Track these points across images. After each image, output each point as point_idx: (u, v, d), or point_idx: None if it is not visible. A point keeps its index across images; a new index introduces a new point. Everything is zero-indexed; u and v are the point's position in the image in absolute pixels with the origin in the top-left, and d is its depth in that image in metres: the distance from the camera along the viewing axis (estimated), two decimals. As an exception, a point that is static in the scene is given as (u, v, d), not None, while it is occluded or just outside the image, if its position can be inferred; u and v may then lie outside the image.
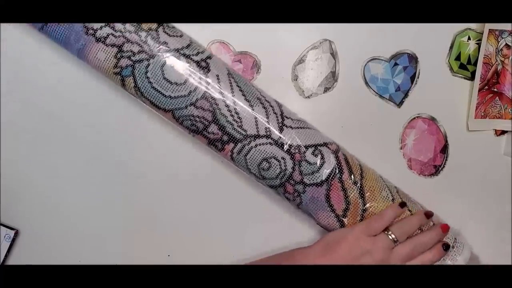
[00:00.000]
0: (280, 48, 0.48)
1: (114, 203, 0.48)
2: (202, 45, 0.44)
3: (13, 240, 0.48)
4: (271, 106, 0.43)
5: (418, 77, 0.49)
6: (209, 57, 0.43)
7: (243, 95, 0.42)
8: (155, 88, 0.42)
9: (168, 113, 0.43)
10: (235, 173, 0.48)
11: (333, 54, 0.48)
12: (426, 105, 0.49)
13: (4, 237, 0.47)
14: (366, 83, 0.49)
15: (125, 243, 0.48)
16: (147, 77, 0.42)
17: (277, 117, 0.43)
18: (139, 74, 0.42)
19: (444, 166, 0.50)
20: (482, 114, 0.49)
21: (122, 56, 0.41)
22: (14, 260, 0.48)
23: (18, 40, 0.47)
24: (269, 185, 0.44)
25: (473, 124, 0.49)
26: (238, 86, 0.43)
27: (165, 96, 0.42)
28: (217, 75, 0.42)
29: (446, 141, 0.50)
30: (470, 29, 0.49)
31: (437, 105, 0.49)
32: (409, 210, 0.44)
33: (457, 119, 0.50)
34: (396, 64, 0.49)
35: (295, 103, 0.47)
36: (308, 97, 0.49)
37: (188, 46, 0.43)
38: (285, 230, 0.49)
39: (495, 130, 0.50)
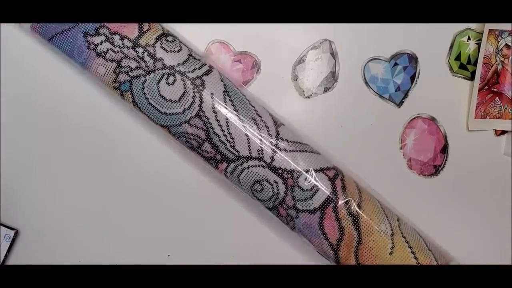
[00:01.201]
0: (280, 48, 0.48)
1: (114, 203, 0.48)
2: (201, 59, 0.44)
3: (13, 240, 0.47)
4: (267, 127, 0.42)
5: (418, 77, 0.49)
6: (205, 74, 0.42)
7: (237, 115, 0.42)
8: (151, 104, 0.42)
9: (165, 129, 0.43)
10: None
11: (333, 54, 0.48)
12: (426, 105, 0.49)
13: (4, 237, 0.47)
14: (366, 83, 0.49)
15: (125, 243, 0.48)
16: (144, 93, 0.42)
17: (271, 139, 0.42)
18: (136, 89, 0.42)
19: (444, 166, 0.50)
20: (482, 114, 0.49)
21: (121, 71, 0.42)
22: (14, 260, 0.48)
23: (18, 40, 0.47)
24: (263, 205, 0.43)
25: (473, 124, 0.49)
26: (233, 105, 0.42)
27: (161, 112, 0.42)
28: (212, 93, 0.42)
29: (446, 141, 0.50)
30: (470, 29, 0.49)
31: (437, 105, 0.49)
32: (410, 247, 0.42)
33: (457, 119, 0.50)
34: (396, 64, 0.49)
35: (295, 103, 0.47)
36: (308, 97, 0.49)
37: (184, 62, 0.42)
38: (285, 230, 0.49)
39: (495, 130, 0.50)
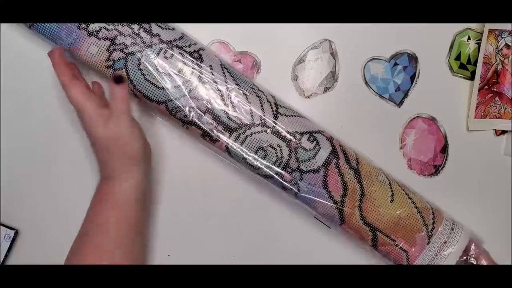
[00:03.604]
0: (280, 48, 0.48)
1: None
2: (192, 38, 0.44)
3: (13, 240, 0.47)
4: (265, 95, 0.44)
5: (418, 77, 0.49)
6: (201, 49, 0.43)
7: (237, 84, 0.43)
8: (148, 80, 0.42)
9: (161, 105, 0.43)
10: (236, 173, 0.48)
11: (333, 54, 0.48)
12: (426, 105, 0.49)
13: (4, 237, 0.47)
14: (366, 83, 0.49)
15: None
16: (140, 69, 0.42)
17: (271, 105, 0.43)
18: (131, 66, 0.42)
19: (444, 166, 0.50)
20: (482, 114, 0.49)
21: (115, 49, 0.42)
22: (14, 260, 0.48)
23: (19, 40, 0.47)
24: (266, 174, 0.43)
25: (473, 124, 0.49)
26: (232, 76, 0.43)
27: (158, 87, 0.42)
28: (210, 65, 0.43)
29: (446, 141, 0.50)
30: (470, 29, 0.49)
31: (437, 105, 0.49)
32: (406, 194, 0.44)
33: (457, 119, 0.50)
34: (396, 64, 0.49)
35: (295, 103, 0.47)
36: (308, 97, 0.49)
37: (180, 38, 0.43)
38: (285, 230, 0.49)
39: (495, 130, 0.50)
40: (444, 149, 0.50)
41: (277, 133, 0.42)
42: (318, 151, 0.42)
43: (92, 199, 0.42)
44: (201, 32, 0.46)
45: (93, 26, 0.41)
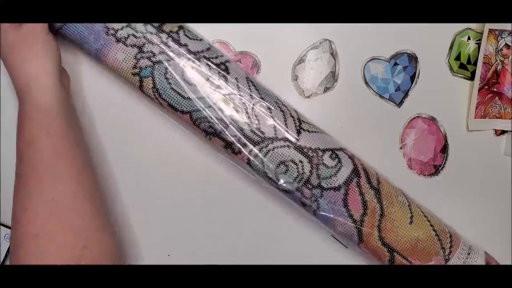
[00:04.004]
0: (280, 48, 0.48)
1: (114, 203, 0.48)
2: (219, 50, 0.44)
3: (13, 240, 0.47)
4: (288, 110, 0.44)
5: (418, 77, 0.49)
6: (228, 61, 0.43)
7: (262, 97, 0.43)
8: (174, 89, 0.42)
9: (185, 115, 0.43)
10: (236, 172, 0.48)
11: (333, 54, 0.48)
12: (426, 105, 0.49)
13: (4, 237, 0.47)
14: (366, 83, 0.49)
15: (125, 243, 0.48)
16: (166, 78, 0.42)
17: (294, 120, 0.43)
18: (158, 75, 0.42)
19: (444, 166, 0.50)
20: (482, 114, 0.49)
21: (142, 57, 0.42)
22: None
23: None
24: (286, 189, 0.43)
25: (473, 124, 0.49)
26: (257, 89, 0.43)
27: (184, 97, 0.42)
28: (236, 78, 0.43)
29: (446, 141, 0.50)
30: (470, 29, 0.49)
31: (437, 105, 0.49)
32: (425, 216, 0.43)
33: (457, 119, 0.50)
34: (396, 64, 0.49)
35: (295, 103, 0.47)
36: (308, 97, 0.49)
37: (207, 49, 0.43)
38: (285, 230, 0.49)
39: (495, 130, 0.50)
40: (444, 149, 0.50)
41: (299, 149, 0.42)
42: (340, 168, 0.42)
43: (17, 119, 0.41)
44: (201, 32, 0.46)
45: (121, 33, 0.41)
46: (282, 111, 0.43)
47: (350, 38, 0.48)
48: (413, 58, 0.49)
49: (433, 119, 0.49)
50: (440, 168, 0.50)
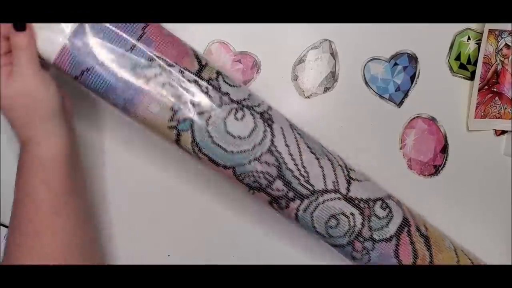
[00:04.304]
0: (280, 48, 0.48)
1: (114, 203, 0.48)
2: (258, 96, 0.41)
3: (13, 240, 0.47)
4: (335, 158, 0.40)
5: (418, 77, 0.49)
6: (269, 109, 0.40)
7: (309, 147, 0.39)
8: (216, 143, 0.37)
9: (228, 170, 0.39)
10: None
11: (333, 54, 0.48)
12: (426, 105, 0.49)
13: (4, 237, 0.47)
14: (366, 83, 0.49)
15: (125, 243, 0.48)
16: (208, 131, 0.37)
17: (342, 169, 0.40)
18: (198, 128, 0.37)
19: (444, 166, 0.50)
20: (482, 114, 0.49)
21: (180, 108, 0.37)
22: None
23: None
24: (335, 244, 0.41)
25: (473, 124, 0.49)
26: (302, 138, 0.40)
27: (227, 151, 0.38)
28: (281, 127, 0.39)
29: (446, 141, 0.50)
30: (470, 29, 0.49)
31: (437, 105, 0.49)
32: (469, 259, 0.42)
33: (457, 119, 0.50)
34: (396, 64, 0.49)
35: (295, 103, 0.48)
36: (308, 97, 0.49)
37: (249, 96, 0.39)
38: (285, 229, 0.49)
39: (495, 130, 0.50)
40: (444, 149, 0.50)
41: (350, 200, 0.39)
42: (391, 218, 0.40)
43: (17, 166, 0.38)
44: (201, 32, 0.46)
45: (155, 81, 0.37)
46: (329, 159, 0.40)
47: (350, 38, 0.48)
48: (413, 58, 0.49)
49: (433, 119, 0.49)
50: (440, 168, 0.50)
